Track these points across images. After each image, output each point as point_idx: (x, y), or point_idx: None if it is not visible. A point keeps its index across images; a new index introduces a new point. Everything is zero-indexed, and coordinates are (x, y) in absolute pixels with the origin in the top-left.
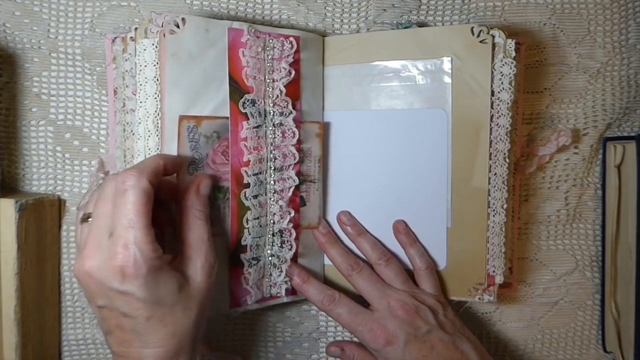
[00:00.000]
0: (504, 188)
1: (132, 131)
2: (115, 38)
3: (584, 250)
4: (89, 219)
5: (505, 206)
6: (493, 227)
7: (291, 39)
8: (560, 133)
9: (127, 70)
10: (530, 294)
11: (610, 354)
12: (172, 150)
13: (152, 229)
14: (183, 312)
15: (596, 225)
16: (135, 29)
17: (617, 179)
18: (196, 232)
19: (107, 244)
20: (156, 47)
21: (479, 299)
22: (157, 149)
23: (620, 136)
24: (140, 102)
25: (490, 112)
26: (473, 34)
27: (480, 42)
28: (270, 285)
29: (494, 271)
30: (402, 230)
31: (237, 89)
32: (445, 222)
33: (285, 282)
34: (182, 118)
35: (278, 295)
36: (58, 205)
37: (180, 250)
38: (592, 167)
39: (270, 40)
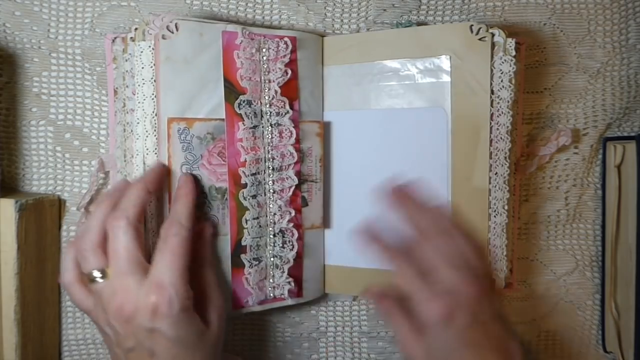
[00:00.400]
0: (505, 188)
1: (131, 131)
2: (115, 38)
3: (584, 250)
4: (101, 279)
5: (506, 207)
6: (494, 228)
7: (286, 39)
8: (560, 133)
9: (127, 71)
10: (530, 294)
11: (610, 354)
12: (164, 150)
13: (187, 272)
14: (202, 357)
15: (596, 225)
16: (136, 29)
17: (617, 179)
18: (207, 280)
19: (141, 285)
20: (152, 49)
21: None
22: (155, 148)
23: (620, 136)
24: (139, 102)
25: (490, 110)
26: (472, 31)
27: (479, 40)
28: (274, 287)
29: (495, 275)
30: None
31: (232, 91)
32: None
33: (289, 282)
34: (170, 120)
35: (282, 296)
36: (58, 205)
37: (195, 297)
38: (592, 167)
39: (265, 42)
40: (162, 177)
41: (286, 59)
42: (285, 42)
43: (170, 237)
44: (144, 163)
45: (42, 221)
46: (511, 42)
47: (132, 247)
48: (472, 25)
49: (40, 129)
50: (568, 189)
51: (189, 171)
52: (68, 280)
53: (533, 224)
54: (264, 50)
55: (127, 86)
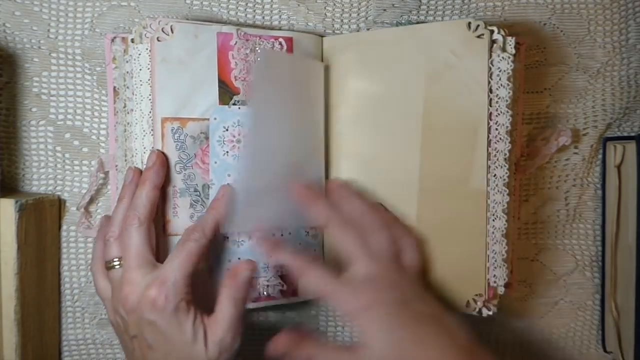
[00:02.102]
0: (504, 191)
1: (131, 131)
2: (115, 38)
3: (584, 250)
4: (119, 267)
5: (506, 211)
6: (493, 232)
7: (281, 40)
8: (560, 133)
9: (127, 72)
10: (530, 294)
11: (610, 354)
12: (159, 149)
13: (191, 280)
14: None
15: (596, 225)
16: (134, 31)
17: (617, 179)
18: (224, 311)
19: (147, 279)
20: (149, 52)
21: (478, 312)
22: (152, 147)
23: (620, 136)
24: (136, 103)
25: (489, 109)
26: (469, 29)
27: (477, 37)
28: (267, 286)
29: (495, 282)
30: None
31: (227, 91)
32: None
33: (279, 283)
34: (164, 120)
35: (273, 295)
36: (58, 205)
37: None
38: (592, 167)
39: (260, 42)
40: (165, 166)
41: None
42: (280, 43)
43: (190, 241)
44: (143, 162)
45: (42, 221)
46: (510, 40)
47: (141, 245)
48: (469, 22)
49: (40, 129)
50: (568, 189)
51: (183, 170)
52: (95, 268)
53: (533, 224)
54: (258, 50)
55: (127, 87)
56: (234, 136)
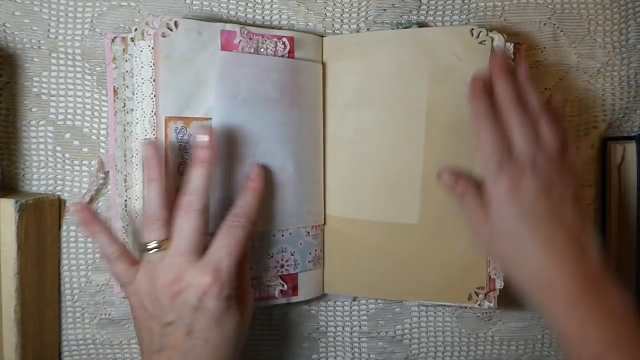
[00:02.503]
0: None
1: (131, 131)
2: (115, 38)
3: None
4: (157, 250)
5: None
6: None
7: (284, 39)
8: None
9: (127, 71)
10: None
11: None
12: (162, 149)
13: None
14: (233, 349)
15: (596, 225)
16: (135, 29)
17: (617, 179)
18: (246, 278)
19: (194, 264)
20: (152, 48)
21: (479, 304)
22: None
23: (620, 136)
24: (138, 102)
25: None
26: (472, 35)
27: (480, 43)
28: (268, 286)
29: (495, 274)
30: None
31: None
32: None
33: (280, 283)
34: (168, 119)
35: (273, 295)
36: (58, 205)
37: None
38: (592, 167)
39: (264, 41)
40: (215, 146)
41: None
42: (283, 42)
43: (237, 227)
44: (143, 163)
45: (42, 221)
46: (510, 46)
47: (199, 232)
48: (472, 28)
49: (40, 129)
50: None
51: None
52: (111, 253)
53: None
54: (262, 50)
55: (127, 86)
56: (238, 137)
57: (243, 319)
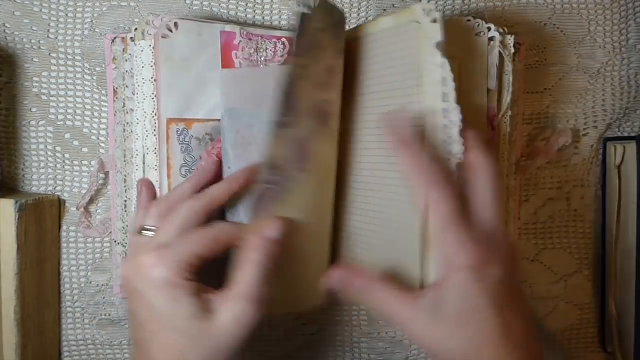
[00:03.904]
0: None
1: (131, 131)
2: (115, 38)
3: (583, 250)
4: (146, 231)
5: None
6: None
7: (283, 40)
8: (560, 133)
9: (127, 71)
10: (530, 294)
11: (610, 354)
12: (164, 151)
13: (201, 262)
14: (190, 341)
15: (596, 225)
16: (135, 29)
17: (617, 179)
18: (246, 274)
19: (151, 246)
20: (152, 48)
21: None
22: (155, 148)
23: (620, 136)
24: (138, 102)
25: (487, 106)
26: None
27: (476, 34)
28: None
29: None
30: None
31: None
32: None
33: None
34: (169, 121)
35: None
36: (58, 205)
37: (226, 287)
38: (592, 167)
39: (263, 42)
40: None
41: (283, 59)
42: (283, 43)
43: (215, 227)
44: (144, 163)
45: (42, 221)
46: (510, 38)
47: (185, 222)
48: (468, 19)
49: (40, 129)
50: (568, 189)
51: (187, 173)
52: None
53: (533, 224)
54: (261, 50)
55: (126, 86)
56: (245, 138)
57: (213, 315)
